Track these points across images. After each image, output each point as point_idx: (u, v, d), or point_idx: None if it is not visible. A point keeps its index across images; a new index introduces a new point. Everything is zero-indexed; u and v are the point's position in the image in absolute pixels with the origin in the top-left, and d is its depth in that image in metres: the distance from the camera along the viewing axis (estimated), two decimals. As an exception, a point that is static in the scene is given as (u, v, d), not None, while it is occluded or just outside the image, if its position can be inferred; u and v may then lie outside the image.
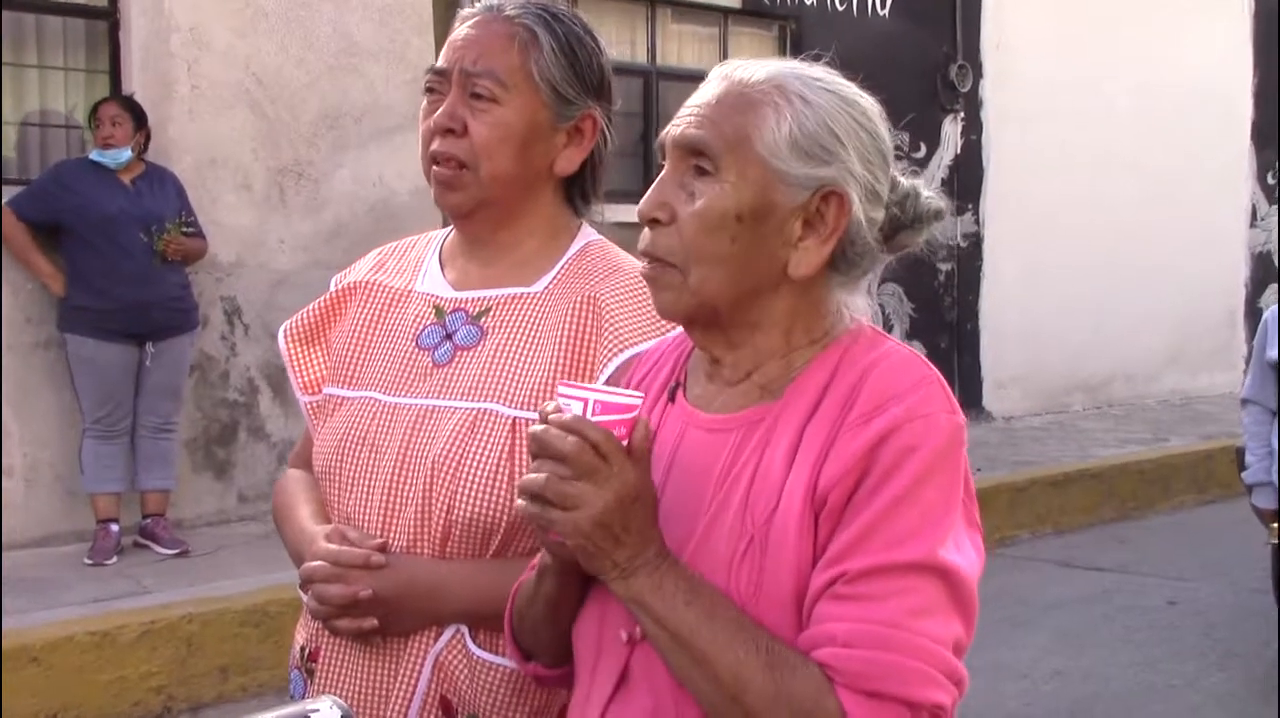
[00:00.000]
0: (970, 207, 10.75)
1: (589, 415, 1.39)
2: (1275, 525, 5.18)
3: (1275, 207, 13.21)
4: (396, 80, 7.40)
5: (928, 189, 1.54)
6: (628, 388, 1.59)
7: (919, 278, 10.34)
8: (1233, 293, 12.83)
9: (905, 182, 1.52)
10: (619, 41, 8.99)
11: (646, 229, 1.48)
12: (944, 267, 10.59)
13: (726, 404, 1.51)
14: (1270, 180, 13.18)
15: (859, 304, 1.51)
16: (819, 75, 1.49)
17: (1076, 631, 6.00)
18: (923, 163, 10.38)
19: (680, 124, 1.48)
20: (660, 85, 8.97)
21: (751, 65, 1.50)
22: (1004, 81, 10.79)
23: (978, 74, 10.68)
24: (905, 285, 10.24)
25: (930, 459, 1.37)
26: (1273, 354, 5.05)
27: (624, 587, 1.40)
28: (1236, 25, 12.75)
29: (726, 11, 9.46)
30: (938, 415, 1.40)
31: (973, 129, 10.72)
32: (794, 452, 1.42)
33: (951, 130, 10.59)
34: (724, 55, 9.40)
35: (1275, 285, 12.88)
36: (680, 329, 1.59)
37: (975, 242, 10.80)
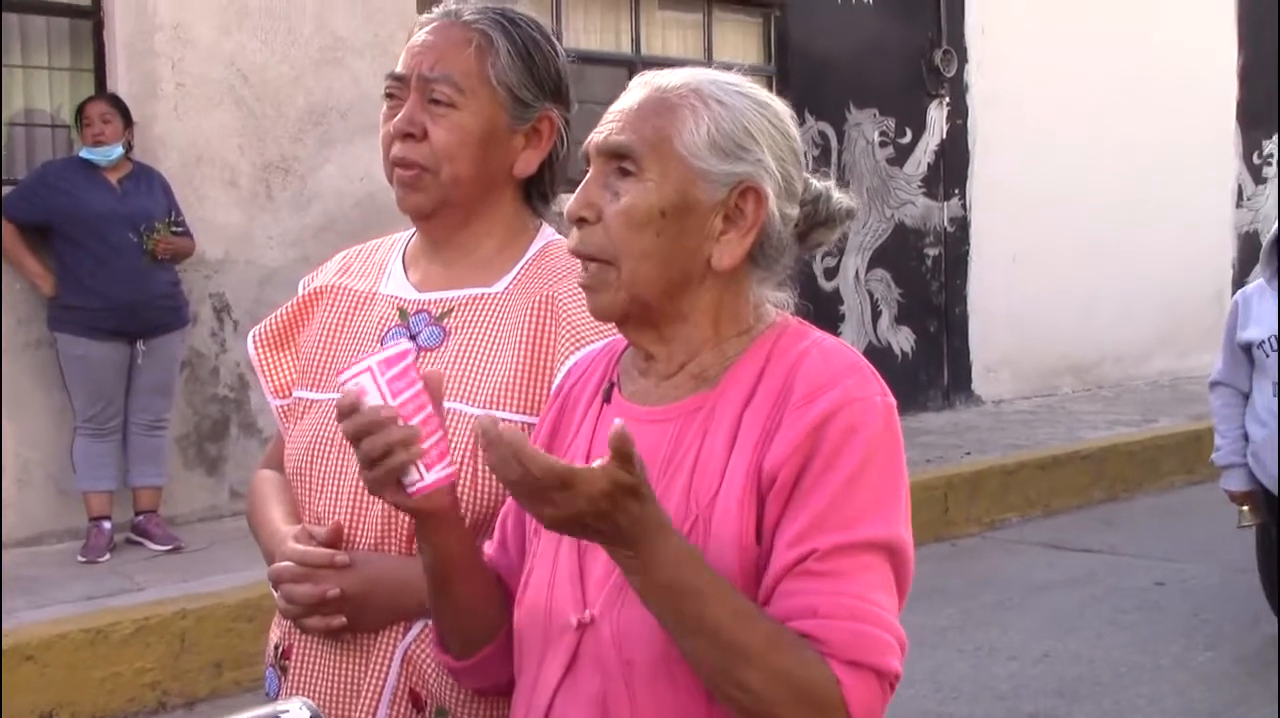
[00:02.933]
0: (957, 191, 10.76)
1: (379, 378, 1.51)
2: (1245, 508, 5.24)
3: (1261, 186, 13.25)
4: (381, 75, 7.23)
5: (838, 191, 1.62)
6: (558, 397, 1.69)
7: (906, 263, 10.37)
8: (1220, 273, 12.85)
9: (817, 183, 1.61)
10: (603, 30, 9.00)
11: (574, 229, 1.56)
12: (931, 251, 10.61)
13: (664, 397, 1.57)
14: (1256, 160, 13.21)
15: (781, 298, 1.61)
16: (733, 80, 1.58)
17: (1065, 612, 6.04)
18: (908, 148, 10.41)
19: (603, 130, 1.56)
20: (645, 75, 8.96)
21: (670, 73, 1.58)
22: (989, 66, 10.80)
23: (962, 59, 10.68)
24: (893, 271, 10.26)
25: (873, 441, 1.46)
26: (1244, 336, 5.08)
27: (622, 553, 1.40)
28: (1222, 4, 12.78)
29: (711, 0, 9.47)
30: (873, 398, 1.49)
31: (958, 114, 10.73)
32: (734, 436, 1.49)
33: (937, 115, 10.60)
34: (709, 44, 9.42)
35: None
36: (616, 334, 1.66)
37: (962, 226, 10.82)
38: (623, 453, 1.32)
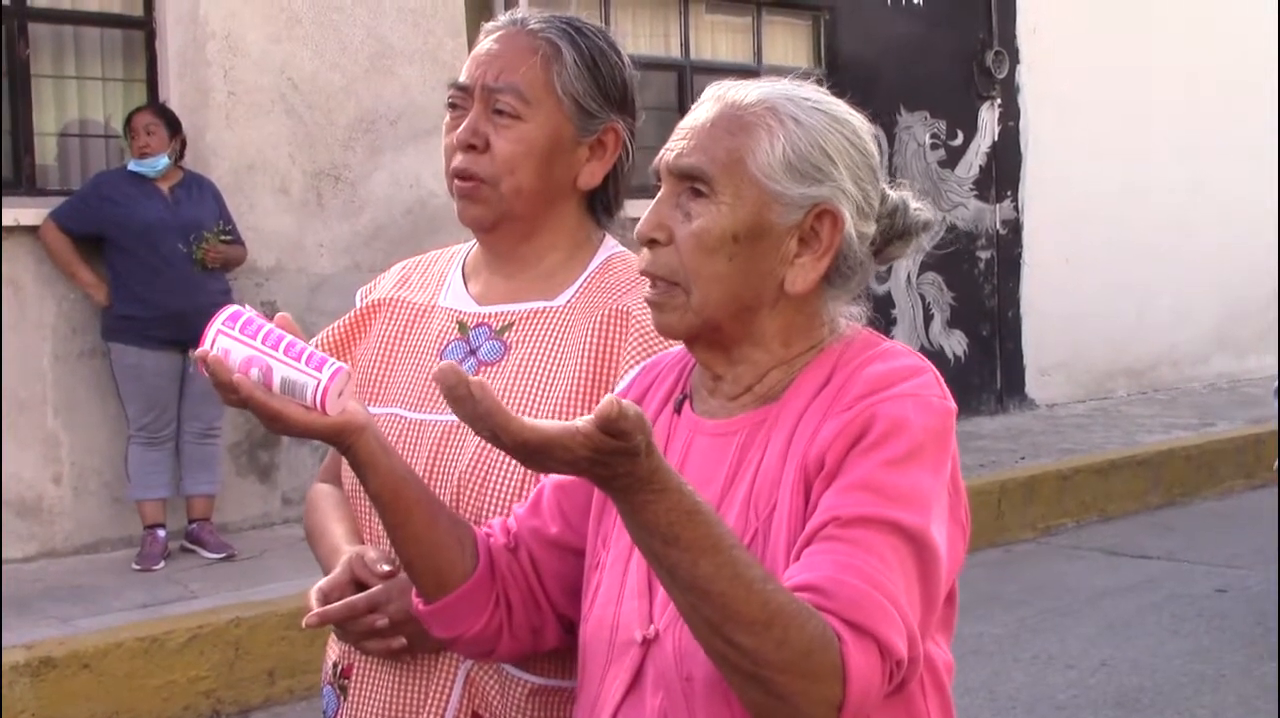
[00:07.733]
0: (1009, 193, 10.68)
1: (233, 334, 1.48)
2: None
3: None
4: (431, 82, 7.42)
5: (915, 201, 1.57)
6: (624, 399, 1.62)
7: (959, 266, 10.29)
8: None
9: (894, 194, 1.56)
10: (652, 35, 8.98)
11: (645, 249, 1.52)
12: (984, 254, 10.53)
13: (731, 412, 1.54)
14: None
15: (855, 312, 1.56)
16: (810, 95, 1.53)
17: (1124, 620, 5.96)
18: (960, 150, 10.33)
19: (674, 149, 1.51)
20: (694, 79, 8.93)
21: (743, 86, 1.53)
22: (1040, 67, 10.71)
23: (1014, 60, 10.60)
24: (945, 274, 10.18)
25: (923, 436, 1.41)
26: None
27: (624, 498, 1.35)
28: (1276, 3, 12.60)
29: (760, 3, 9.42)
30: (929, 398, 1.44)
31: (1010, 115, 10.65)
32: (790, 442, 1.46)
33: (989, 117, 10.53)
34: (758, 47, 9.38)
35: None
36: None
37: (1015, 228, 10.73)
38: (613, 429, 1.24)
